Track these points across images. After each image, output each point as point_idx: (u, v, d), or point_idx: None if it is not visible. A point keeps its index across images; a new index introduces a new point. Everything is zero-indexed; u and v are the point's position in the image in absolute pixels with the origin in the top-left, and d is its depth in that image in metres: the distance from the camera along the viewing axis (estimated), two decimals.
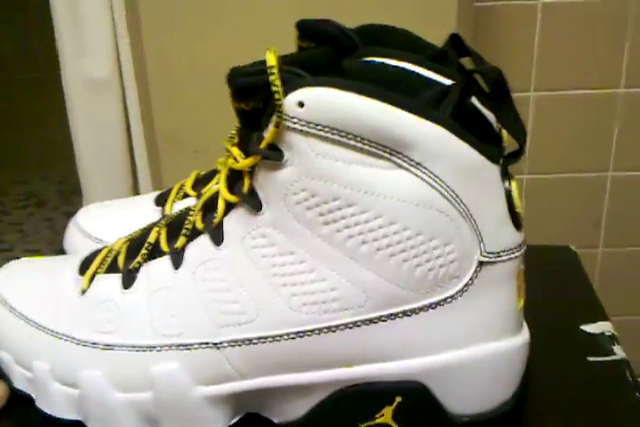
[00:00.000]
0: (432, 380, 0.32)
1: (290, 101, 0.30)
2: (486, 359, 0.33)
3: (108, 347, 0.35)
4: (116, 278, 0.36)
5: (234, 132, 0.37)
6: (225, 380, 0.34)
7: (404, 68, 0.34)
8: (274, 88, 0.29)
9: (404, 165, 0.30)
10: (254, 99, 0.31)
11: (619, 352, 0.40)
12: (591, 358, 0.40)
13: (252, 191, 0.32)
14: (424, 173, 0.30)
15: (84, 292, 0.37)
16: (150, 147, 0.87)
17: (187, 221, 0.35)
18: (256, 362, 0.33)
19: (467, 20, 0.81)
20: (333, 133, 0.30)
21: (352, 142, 0.30)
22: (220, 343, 0.33)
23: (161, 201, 0.50)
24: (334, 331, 0.32)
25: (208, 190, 0.37)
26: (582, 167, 0.97)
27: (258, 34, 0.71)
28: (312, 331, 0.32)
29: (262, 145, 0.31)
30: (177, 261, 0.35)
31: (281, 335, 0.33)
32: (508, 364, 0.34)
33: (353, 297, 0.32)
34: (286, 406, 0.35)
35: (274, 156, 0.31)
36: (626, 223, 1.00)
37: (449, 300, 0.32)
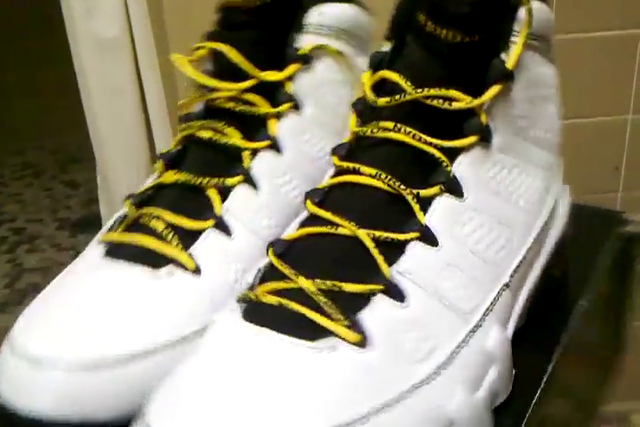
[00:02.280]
0: None
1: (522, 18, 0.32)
2: None
3: (442, 366, 0.28)
4: (386, 303, 0.28)
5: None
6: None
7: None
8: (528, 5, 0.31)
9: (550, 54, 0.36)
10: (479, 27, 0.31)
11: None
12: None
13: (487, 126, 0.31)
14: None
15: (362, 344, 0.26)
16: (170, 110, 0.85)
17: (408, 194, 0.30)
18: (521, 276, 0.34)
19: None
20: (537, 40, 0.33)
21: (541, 44, 0.34)
22: (509, 280, 0.32)
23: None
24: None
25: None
26: (602, 111, 0.97)
27: None
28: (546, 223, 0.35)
29: (511, 65, 0.31)
30: (432, 239, 0.29)
31: (534, 237, 0.34)
32: None
33: (550, 179, 0.36)
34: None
35: (511, 77, 0.32)
36: None
37: None
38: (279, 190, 0.36)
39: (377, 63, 0.33)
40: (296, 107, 0.37)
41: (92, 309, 0.30)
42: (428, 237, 0.29)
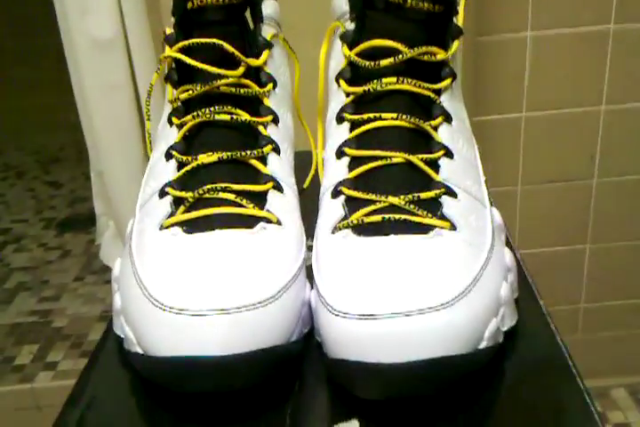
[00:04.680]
0: None
1: None
2: None
3: None
4: (450, 200, 0.36)
5: None
6: None
7: None
8: None
9: None
10: None
11: None
12: None
13: (454, 71, 0.41)
14: None
15: (454, 228, 0.35)
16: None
17: (427, 126, 0.38)
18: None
19: None
20: None
21: None
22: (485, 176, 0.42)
23: None
24: None
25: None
26: (577, 103, 1.01)
27: None
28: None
29: (461, 25, 0.40)
30: (451, 154, 0.38)
31: (475, 147, 0.43)
32: None
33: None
34: None
35: (462, 33, 0.41)
36: (618, 155, 1.05)
37: None
38: (286, 153, 0.43)
39: (351, 38, 0.41)
40: (274, 86, 0.44)
41: (224, 263, 0.34)
42: (448, 153, 0.38)
